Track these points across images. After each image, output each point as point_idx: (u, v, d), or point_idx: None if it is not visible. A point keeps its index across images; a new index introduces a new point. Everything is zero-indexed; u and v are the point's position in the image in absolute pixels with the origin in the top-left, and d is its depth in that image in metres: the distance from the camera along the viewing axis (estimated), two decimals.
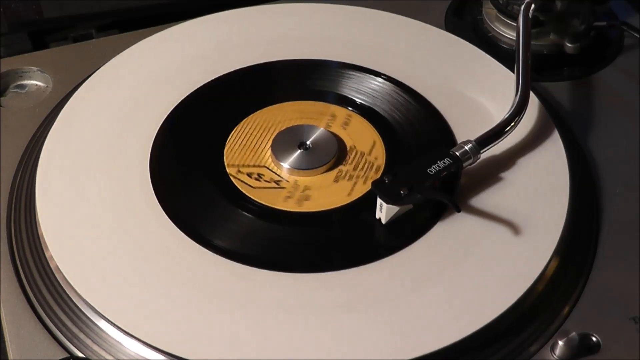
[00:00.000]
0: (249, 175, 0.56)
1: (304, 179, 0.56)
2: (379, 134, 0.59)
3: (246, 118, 0.60)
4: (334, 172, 0.57)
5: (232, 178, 0.56)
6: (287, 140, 0.58)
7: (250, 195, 0.55)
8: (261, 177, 0.56)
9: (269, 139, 0.58)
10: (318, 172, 0.56)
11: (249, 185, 0.55)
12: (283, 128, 0.59)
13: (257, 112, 0.61)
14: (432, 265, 0.51)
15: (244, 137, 0.59)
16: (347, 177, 0.56)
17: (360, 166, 0.57)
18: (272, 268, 0.50)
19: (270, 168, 0.57)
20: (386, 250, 0.51)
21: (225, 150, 0.58)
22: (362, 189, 0.55)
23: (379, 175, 0.56)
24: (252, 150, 0.58)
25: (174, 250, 0.51)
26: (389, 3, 0.70)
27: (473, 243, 0.52)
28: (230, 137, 0.59)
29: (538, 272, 0.50)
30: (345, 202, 0.55)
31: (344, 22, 0.68)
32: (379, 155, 0.58)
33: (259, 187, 0.55)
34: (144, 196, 0.54)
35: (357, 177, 0.56)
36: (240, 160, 0.57)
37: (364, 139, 0.59)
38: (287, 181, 0.56)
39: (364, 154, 0.58)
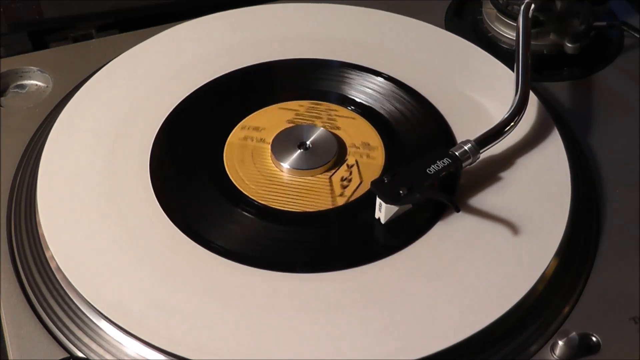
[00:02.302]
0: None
1: (299, 179, 0.56)
2: (379, 134, 0.59)
3: (234, 129, 0.59)
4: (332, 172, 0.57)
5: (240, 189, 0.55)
6: (287, 140, 0.58)
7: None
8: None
9: (267, 142, 0.58)
10: (318, 172, 0.56)
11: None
12: (277, 132, 0.59)
13: (245, 118, 0.60)
14: (431, 265, 0.51)
15: (241, 145, 0.58)
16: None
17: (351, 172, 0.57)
18: (272, 268, 0.50)
19: (274, 171, 0.57)
20: (386, 250, 0.51)
21: (225, 161, 0.57)
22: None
23: (382, 163, 0.57)
24: (265, 177, 0.57)
25: (174, 250, 0.51)
26: (389, 3, 0.70)
27: (473, 243, 0.52)
28: (226, 146, 0.58)
29: (539, 272, 0.50)
30: (331, 207, 0.54)
31: (344, 22, 0.68)
32: (378, 156, 0.58)
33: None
34: (144, 196, 0.54)
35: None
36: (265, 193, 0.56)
37: (361, 134, 0.59)
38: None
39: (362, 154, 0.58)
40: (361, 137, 0.59)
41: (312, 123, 0.59)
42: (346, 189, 0.55)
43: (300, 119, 0.60)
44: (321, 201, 0.55)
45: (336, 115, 0.60)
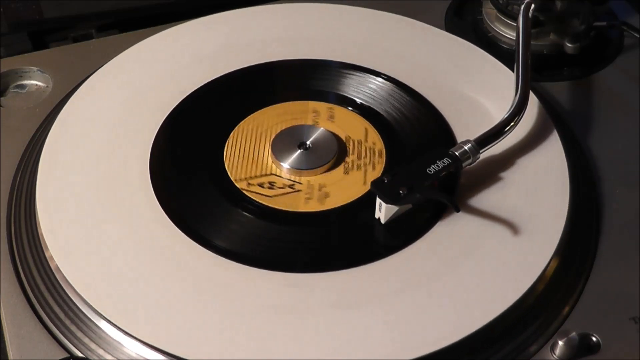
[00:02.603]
0: (261, 185, 0.56)
1: (314, 178, 0.56)
2: (379, 134, 0.59)
3: (234, 129, 0.59)
4: (342, 166, 0.57)
5: (245, 192, 0.55)
6: (287, 140, 0.58)
7: (271, 205, 0.54)
8: (274, 185, 0.56)
9: (264, 146, 0.58)
10: (322, 170, 0.56)
11: (266, 196, 0.55)
12: (275, 132, 0.59)
13: (243, 121, 0.60)
14: (431, 265, 0.51)
15: (240, 148, 0.58)
16: (355, 167, 0.56)
17: (363, 154, 0.57)
18: (272, 268, 0.50)
19: (277, 174, 0.57)
20: (386, 250, 0.51)
21: (226, 165, 0.57)
22: (374, 175, 0.56)
23: (383, 159, 0.57)
24: (253, 161, 0.57)
25: (174, 250, 0.51)
26: (389, 3, 0.70)
27: (473, 243, 0.52)
28: (225, 149, 0.58)
29: (538, 272, 0.50)
30: (364, 192, 0.55)
31: (344, 22, 0.68)
32: (376, 140, 0.58)
33: (276, 195, 0.55)
34: (144, 196, 0.54)
35: (365, 164, 0.56)
36: (245, 173, 0.57)
37: (355, 128, 0.59)
38: (300, 183, 0.56)
39: (361, 141, 0.58)
40: (365, 144, 0.58)
41: (317, 124, 0.59)
42: (360, 179, 0.56)
43: (310, 119, 0.60)
44: (342, 195, 0.55)
45: (344, 120, 0.60)
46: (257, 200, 0.55)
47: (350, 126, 0.59)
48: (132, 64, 0.64)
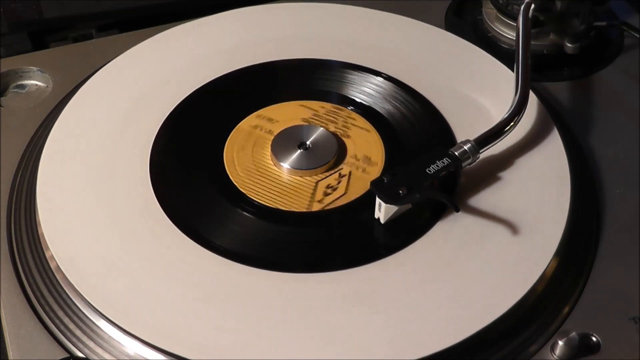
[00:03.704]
0: (255, 180, 0.56)
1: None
2: (379, 134, 0.59)
3: (243, 120, 0.60)
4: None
5: (239, 186, 0.55)
6: (287, 140, 0.58)
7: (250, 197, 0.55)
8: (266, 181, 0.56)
9: (269, 141, 0.58)
10: (318, 171, 0.56)
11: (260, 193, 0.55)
12: (283, 129, 0.59)
13: (263, 109, 0.60)
14: (431, 265, 0.51)
15: (243, 141, 0.59)
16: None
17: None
18: (272, 268, 0.50)
19: (273, 171, 0.57)
20: (386, 250, 0.51)
21: (225, 156, 0.57)
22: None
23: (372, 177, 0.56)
24: (260, 174, 0.57)
25: (174, 250, 0.51)
26: (389, 3, 0.70)
27: (473, 243, 0.52)
28: (227, 142, 0.58)
29: (538, 272, 0.50)
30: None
31: (344, 22, 0.68)
32: (378, 162, 0.57)
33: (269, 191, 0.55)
34: (144, 196, 0.54)
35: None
36: (243, 165, 0.57)
37: (366, 149, 0.58)
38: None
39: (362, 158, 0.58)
40: (366, 151, 0.58)
41: (322, 125, 0.59)
42: (327, 197, 0.55)
43: (316, 119, 0.60)
44: (296, 203, 0.54)
45: (352, 124, 0.60)
46: (252, 197, 0.55)
47: (364, 147, 0.58)
48: (132, 65, 0.64)
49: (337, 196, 0.55)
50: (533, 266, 0.50)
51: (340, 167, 0.57)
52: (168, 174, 0.56)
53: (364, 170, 0.57)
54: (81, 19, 0.71)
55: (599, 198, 0.57)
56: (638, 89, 0.65)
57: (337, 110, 0.61)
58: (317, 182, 0.56)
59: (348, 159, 0.58)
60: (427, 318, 0.48)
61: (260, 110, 0.61)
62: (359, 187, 0.55)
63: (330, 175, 0.56)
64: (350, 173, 0.57)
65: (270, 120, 0.60)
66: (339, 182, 0.56)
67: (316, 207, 0.54)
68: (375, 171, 0.57)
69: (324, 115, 0.60)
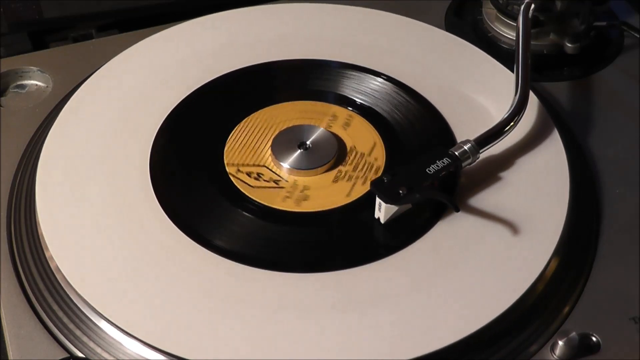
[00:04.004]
0: (249, 174, 0.56)
1: (303, 179, 0.56)
2: (379, 134, 0.59)
3: (247, 117, 0.60)
4: (333, 173, 0.57)
5: (231, 177, 0.56)
6: (287, 140, 0.58)
7: (249, 195, 0.55)
8: (260, 177, 0.56)
9: (269, 139, 0.58)
10: (318, 172, 0.56)
11: (248, 185, 0.55)
12: (284, 128, 0.59)
13: (259, 111, 0.61)
14: (431, 265, 0.51)
15: (245, 136, 0.59)
16: (346, 178, 0.56)
17: (359, 167, 0.57)
18: (272, 268, 0.50)
19: (269, 167, 0.57)
20: (386, 250, 0.51)
21: (225, 149, 0.58)
22: (361, 189, 0.55)
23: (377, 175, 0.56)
24: (252, 150, 0.58)
25: (174, 250, 0.51)
26: (389, 3, 0.70)
27: (473, 243, 0.52)
28: (231, 135, 0.59)
29: (538, 272, 0.50)
30: (344, 203, 0.54)
31: (344, 22, 0.68)
32: (379, 156, 0.58)
33: (258, 187, 0.55)
34: (144, 196, 0.54)
35: (357, 177, 0.56)
36: (240, 159, 0.57)
37: (364, 140, 0.59)
38: (287, 181, 0.56)
39: (364, 154, 0.58)
40: (365, 146, 0.58)
41: (318, 124, 0.59)
42: (345, 190, 0.55)
43: (310, 119, 0.60)
44: (320, 201, 0.54)
45: (347, 120, 0.60)
46: (238, 187, 0.55)
47: (361, 137, 0.59)
48: (132, 64, 0.64)
49: (360, 184, 0.55)
50: (533, 266, 0.50)
51: (340, 167, 0.57)
52: (168, 174, 0.56)
53: (366, 165, 0.57)
54: (81, 19, 0.71)
55: (599, 198, 0.57)
56: (638, 89, 0.65)
57: (329, 108, 0.61)
58: (334, 177, 0.56)
59: (349, 155, 0.58)
60: (426, 317, 0.48)
61: (260, 111, 0.61)
62: (366, 182, 0.55)
63: (335, 172, 0.56)
64: (354, 168, 0.57)
65: (268, 120, 0.60)
66: (345, 179, 0.56)
67: (347, 200, 0.54)
68: (379, 152, 0.57)
69: (317, 114, 0.60)
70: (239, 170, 0.56)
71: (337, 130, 0.59)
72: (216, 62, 0.64)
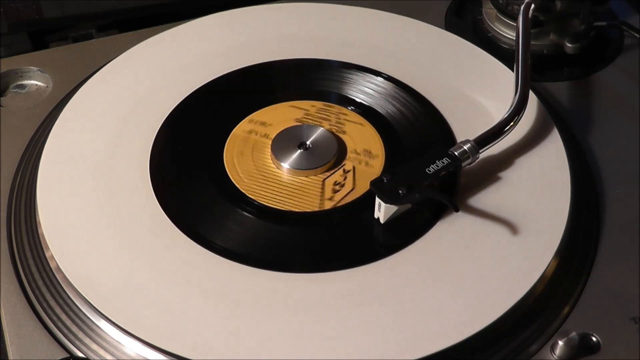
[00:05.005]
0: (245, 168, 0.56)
1: (297, 179, 0.56)
2: (380, 134, 0.59)
3: (250, 115, 0.60)
4: (327, 175, 0.56)
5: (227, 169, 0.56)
6: (287, 140, 0.58)
7: (242, 190, 0.55)
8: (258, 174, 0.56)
9: (271, 137, 0.58)
10: (316, 172, 0.56)
11: (243, 181, 0.56)
12: (285, 128, 0.59)
13: (262, 109, 0.60)
14: (431, 265, 0.51)
15: (249, 131, 0.59)
16: (337, 182, 0.56)
17: (354, 173, 0.57)
18: (272, 268, 0.50)
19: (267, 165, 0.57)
20: (386, 250, 0.51)
21: (225, 148, 0.58)
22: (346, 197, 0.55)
23: (379, 172, 0.56)
24: (262, 177, 0.57)
25: (174, 250, 0.51)
26: (389, 3, 0.70)
27: (473, 243, 0.52)
28: (236, 128, 0.59)
29: (538, 272, 0.50)
30: (327, 208, 0.54)
31: (344, 22, 0.68)
32: (376, 165, 0.57)
33: (252, 183, 0.56)
34: (144, 196, 0.54)
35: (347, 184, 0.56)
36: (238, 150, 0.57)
37: (365, 145, 0.58)
38: (282, 179, 0.56)
39: (361, 161, 0.57)
40: (364, 144, 0.58)
41: (318, 124, 0.59)
42: (336, 194, 0.55)
43: (309, 119, 0.60)
44: (308, 203, 0.54)
45: (345, 120, 0.60)
46: (234, 181, 0.55)
47: (363, 142, 0.58)
48: (132, 65, 0.64)
49: (347, 192, 0.55)
50: (533, 266, 0.50)
51: (342, 163, 0.57)
52: (168, 174, 0.56)
53: (366, 164, 0.57)
54: (81, 19, 0.71)
55: (599, 198, 0.57)
56: (638, 89, 0.65)
57: (327, 108, 0.61)
58: (323, 180, 0.56)
59: (349, 154, 0.58)
60: (426, 318, 0.48)
61: (251, 115, 0.60)
62: (366, 180, 0.55)
63: (335, 172, 0.56)
64: (354, 168, 0.57)
65: (263, 123, 0.60)
66: (345, 178, 0.56)
67: (328, 204, 0.54)
68: (378, 163, 0.57)
69: (316, 114, 0.60)
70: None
71: (339, 132, 0.59)
72: (216, 62, 0.64)
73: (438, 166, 0.52)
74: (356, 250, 0.52)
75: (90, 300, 0.49)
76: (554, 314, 0.50)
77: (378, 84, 0.63)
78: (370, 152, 0.57)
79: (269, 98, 0.62)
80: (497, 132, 0.55)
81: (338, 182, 0.56)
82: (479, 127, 0.56)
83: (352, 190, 0.55)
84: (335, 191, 0.55)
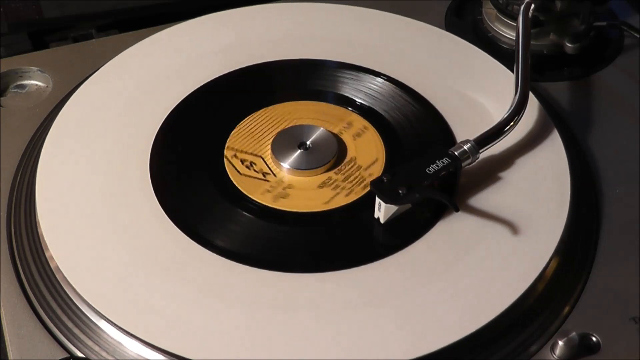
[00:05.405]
0: (242, 161, 0.57)
1: (291, 177, 0.56)
2: (380, 134, 0.59)
3: (265, 108, 0.60)
4: (323, 178, 0.56)
5: (225, 160, 0.57)
6: (287, 139, 0.58)
7: (233, 180, 0.55)
8: (252, 166, 0.56)
9: (275, 132, 0.58)
10: (315, 172, 0.56)
11: (237, 171, 0.56)
12: (283, 129, 0.59)
13: (277, 105, 0.61)
14: (431, 265, 0.51)
15: (256, 124, 0.59)
16: (332, 186, 0.56)
17: (350, 178, 0.56)
18: (272, 268, 0.50)
19: (265, 159, 0.57)
20: (386, 250, 0.51)
21: (232, 133, 0.58)
22: (341, 200, 0.55)
23: (364, 192, 0.55)
24: (256, 139, 0.58)
25: (174, 250, 0.51)
26: (389, 3, 0.70)
27: (473, 243, 0.52)
28: (242, 122, 0.59)
29: (538, 272, 0.50)
30: (319, 209, 0.54)
31: (344, 22, 0.68)
32: (375, 173, 0.57)
33: (245, 175, 0.56)
34: (144, 196, 0.54)
35: (342, 188, 0.56)
36: (240, 145, 0.58)
37: (368, 154, 0.58)
38: (275, 175, 0.56)
39: (361, 167, 0.57)
40: (366, 149, 0.58)
41: (323, 125, 0.59)
42: (326, 197, 0.55)
43: (315, 120, 0.60)
44: (297, 203, 0.54)
45: (351, 124, 0.60)
46: (227, 170, 0.56)
47: (365, 150, 0.58)
48: (131, 64, 0.64)
49: (347, 192, 0.55)
50: (533, 266, 0.50)
51: (341, 166, 0.57)
52: (168, 174, 0.56)
53: (365, 169, 0.57)
54: (81, 19, 0.71)
55: (599, 198, 0.57)
56: (638, 89, 0.65)
57: (334, 110, 0.61)
58: (323, 180, 0.56)
59: (349, 158, 0.58)
60: (426, 317, 0.48)
61: (259, 111, 0.61)
62: (343, 198, 0.55)
63: (333, 174, 0.56)
64: (352, 172, 0.57)
65: (267, 121, 0.60)
66: (343, 181, 0.56)
67: (328, 204, 0.54)
68: (377, 169, 0.57)
69: (322, 116, 0.60)
70: (235, 155, 0.57)
71: (347, 138, 0.59)
72: (216, 62, 0.64)
73: (438, 166, 0.52)
74: (356, 250, 0.52)
75: (89, 301, 0.49)
76: (554, 314, 0.50)
77: (378, 84, 0.63)
78: (367, 168, 0.57)
79: (268, 98, 0.62)
80: (497, 132, 0.55)
81: (338, 182, 0.56)
82: (479, 127, 0.56)
83: (352, 190, 0.55)
84: (335, 191, 0.55)
